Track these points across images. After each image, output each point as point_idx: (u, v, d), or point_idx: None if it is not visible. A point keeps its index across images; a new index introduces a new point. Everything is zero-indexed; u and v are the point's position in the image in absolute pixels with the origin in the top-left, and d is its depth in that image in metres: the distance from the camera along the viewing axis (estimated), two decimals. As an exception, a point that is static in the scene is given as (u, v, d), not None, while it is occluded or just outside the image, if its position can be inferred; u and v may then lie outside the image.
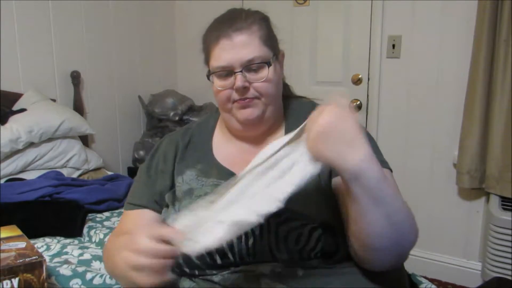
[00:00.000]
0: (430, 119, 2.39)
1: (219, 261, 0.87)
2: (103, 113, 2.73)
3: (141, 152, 2.77)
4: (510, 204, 2.12)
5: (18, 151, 1.99)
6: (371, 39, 2.47)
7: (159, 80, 3.08)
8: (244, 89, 0.90)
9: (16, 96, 2.20)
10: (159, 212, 0.98)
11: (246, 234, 0.86)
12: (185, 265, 0.89)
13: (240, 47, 0.89)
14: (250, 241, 0.86)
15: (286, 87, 1.07)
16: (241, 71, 0.89)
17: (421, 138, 2.43)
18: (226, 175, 0.94)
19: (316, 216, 0.85)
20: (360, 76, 2.55)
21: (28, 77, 2.28)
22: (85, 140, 2.48)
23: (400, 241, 0.76)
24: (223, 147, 1.01)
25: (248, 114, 0.93)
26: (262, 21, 0.95)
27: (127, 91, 2.87)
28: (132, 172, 2.79)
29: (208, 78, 0.95)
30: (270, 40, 0.95)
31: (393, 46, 2.41)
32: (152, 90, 2.96)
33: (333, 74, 2.63)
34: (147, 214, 0.98)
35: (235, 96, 0.92)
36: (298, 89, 1.13)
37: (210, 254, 0.87)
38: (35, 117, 2.04)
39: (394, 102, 2.48)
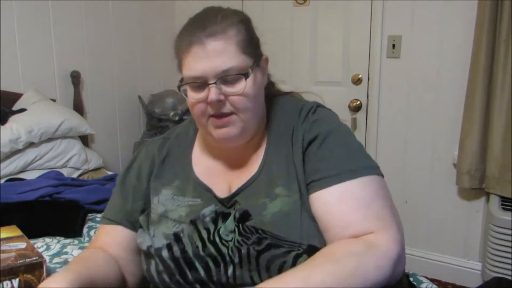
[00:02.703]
0: (430, 119, 2.39)
1: None
2: (103, 113, 2.73)
3: (141, 152, 2.77)
4: (510, 204, 2.11)
5: (18, 151, 1.99)
6: (371, 39, 2.47)
7: (159, 80, 3.08)
8: (218, 103, 0.80)
9: (16, 96, 2.20)
10: (133, 229, 0.92)
11: (225, 262, 0.81)
12: None
13: (214, 55, 0.79)
14: (230, 270, 0.80)
15: (270, 85, 0.97)
16: (215, 83, 0.79)
17: (421, 138, 2.43)
18: (202, 191, 0.88)
19: (301, 242, 0.77)
20: (360, 76, 2.54)
21: (28, 77, 2.28)
22: (85, 140, 2.48)
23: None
24: (202, 159, 0.93)
25: (225, 134, 0.84)
26: (241, 24, 0.84)
27: (127, 91, 2.87)
28: (132, 172, 2.79)
29: (179, 90, 0.85)
30: (250, 46, 0.84)
31: (393, 46, 2.41)
32: (152, 90, 2.96)
33: (333, 74, 2.63)
34: (119, 231, 0.92)
35: (210, 110, 0.82)
36: (298, 89, 1.12)
37: (189, 283, 0.82)
38: (35, 117, 2.04)
39: (394, 102, 2.48)
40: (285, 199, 0.82)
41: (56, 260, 1.26)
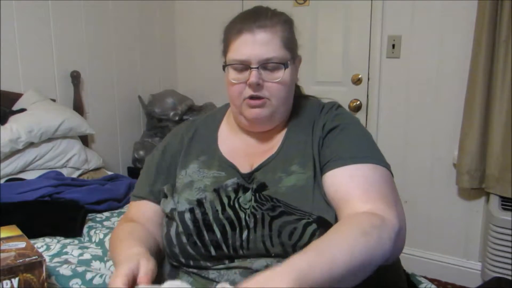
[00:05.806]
0: (430, 119, 2.39)
1: (213, 252, 0.88)
2: (103, 113, 2.73)
3: (141, 152, 2.77)
4: (510, 204, 2.12)
5: (18, 151, 1.98)
6: (371, 39, 2.47)
7: (159, 80, 3.09)
8: (257, 86, 0.91)
9: (16, 96, 2.20)
10: (158, 203, 1.00)
11: (240, 226, 0.87)
12: (180, 255, 0.90)
13: (260, 44, 0.90)
14: (244, 234, 0.87)
15: (297, 88, 1.08)
16: (257, 68, 0.90)
17: (421, 138, 2.43)
18: (227, 167, 0.97)
19: (311, 212, 0.85)
20: (360, 76, 2.55)
21: (28, 77, 2.28)
22: (85, 140, 2.48)
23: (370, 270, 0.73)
24: (228, 139, 1.02)
25: (257, 114, 0.94)
26: (286, 23, 0.96)
27: (127, 91, 2.87)
28: (132, 172, 2.79)
29: (224, 69, 0.96)
30: (291, 43, 0.95)
31: (393, 46, 2.41)
32: (152, 90, 2.96)
33: (333, 74, 2.63)
34: (147, 205, 1.01)
35: (247, 92, 0.92)
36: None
37: (204, 245, 0.88)
38: (35, 117, 2.04)
39: (394, 102, 2.48)
40: (299, 176, 0.90)
41: (56, 260, 1.26)
